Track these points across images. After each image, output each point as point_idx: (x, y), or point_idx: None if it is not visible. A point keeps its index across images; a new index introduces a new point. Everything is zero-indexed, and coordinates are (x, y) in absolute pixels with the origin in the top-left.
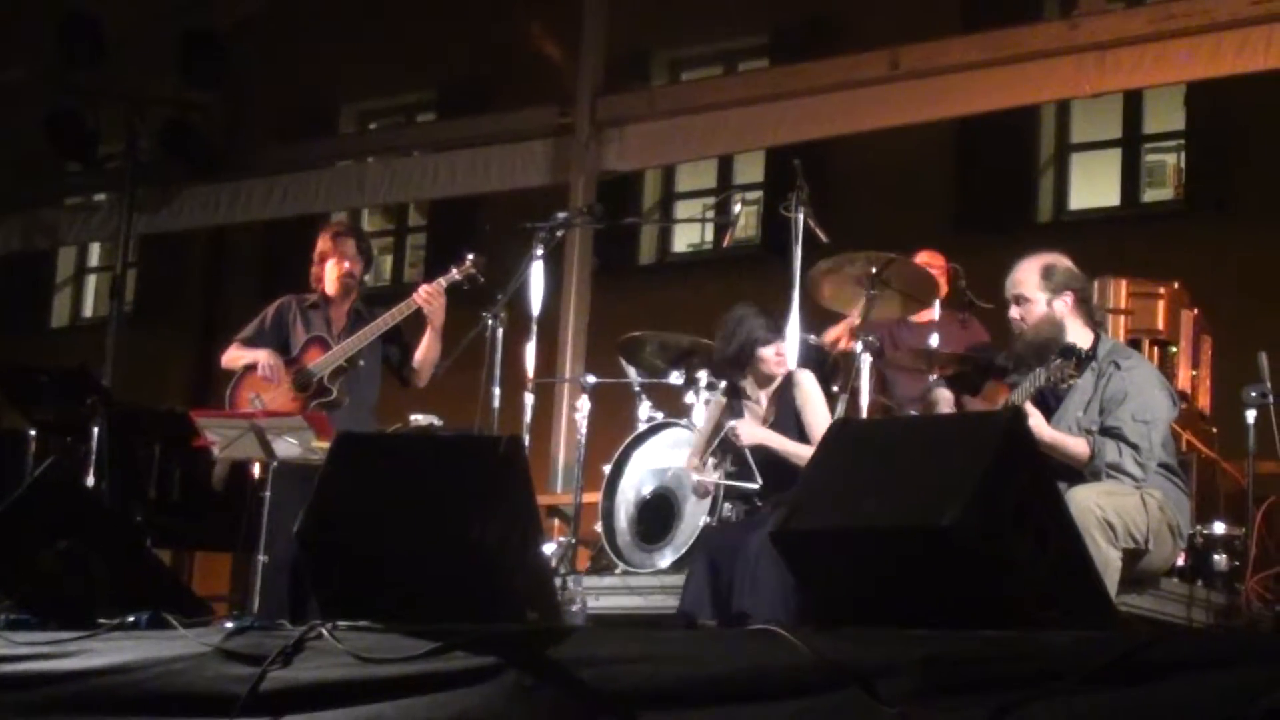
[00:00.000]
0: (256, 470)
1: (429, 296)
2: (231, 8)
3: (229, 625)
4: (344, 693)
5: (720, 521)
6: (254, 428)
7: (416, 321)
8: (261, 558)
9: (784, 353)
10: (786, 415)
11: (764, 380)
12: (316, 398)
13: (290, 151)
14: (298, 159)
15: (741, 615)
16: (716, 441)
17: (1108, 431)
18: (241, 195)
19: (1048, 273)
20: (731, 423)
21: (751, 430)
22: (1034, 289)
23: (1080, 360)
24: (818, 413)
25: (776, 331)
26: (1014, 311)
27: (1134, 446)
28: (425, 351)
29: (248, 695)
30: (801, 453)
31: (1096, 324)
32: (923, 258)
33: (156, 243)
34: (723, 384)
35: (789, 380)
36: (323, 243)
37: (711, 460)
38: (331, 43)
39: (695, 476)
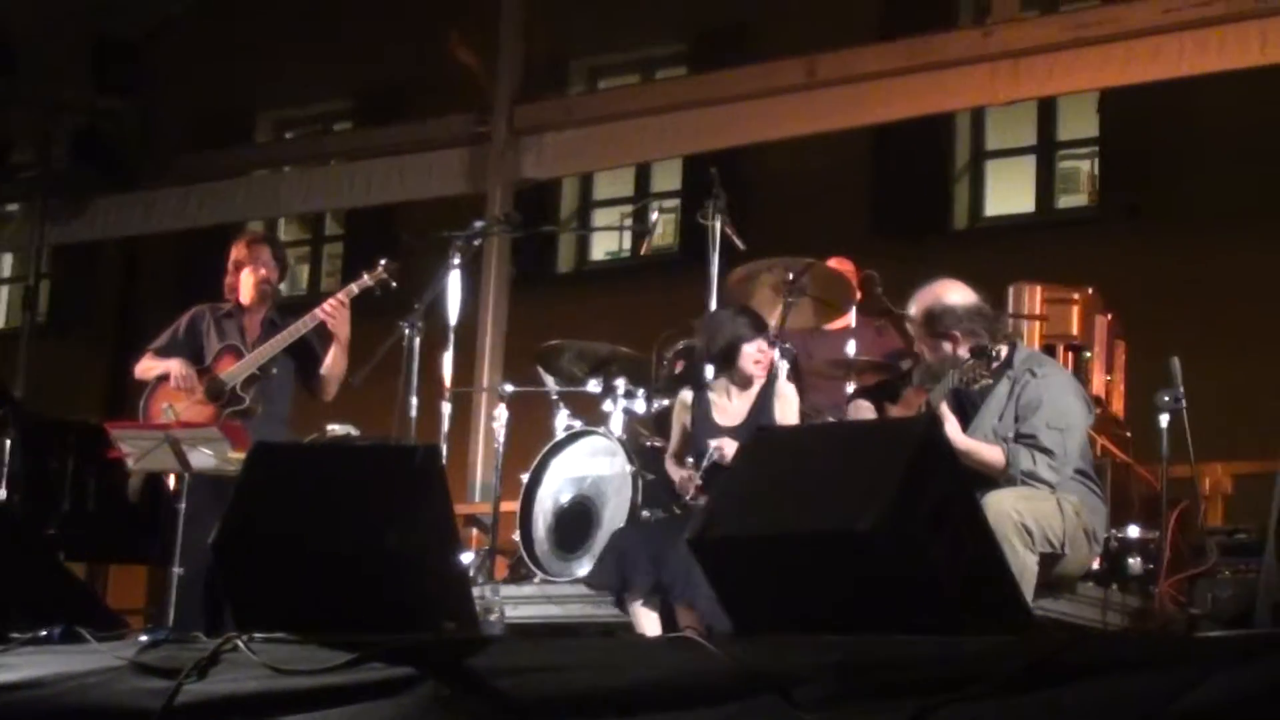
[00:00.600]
0: (172, 482)
1: (332, 310)
2: (146, 15)
3: (143, 639)
4: (260, 705)
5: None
6: (169, 439)
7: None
8: (177, 570)
9: (765, 351)
10: (761, 422)
11: (743, 382)
12: (230, 406)
13: (206, 161)
14: (213, 168)
15: (670, 605)
16: (706, 465)
17: (1022, 439)
18: (156, 205)
19: (929, 320)
20: (715, 443)
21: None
22: (921, 335)
23: (991, 360)
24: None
25: (762, 330)
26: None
27: (1048, 452)
28: (331, 365)
29: (162, 709)
30: None
31: (1006, 337)
32: (832, 264)
33: (69, 253)
34: (684, 389)
35: (771, 390)
36: (237, 251)
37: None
38: (247, 51)
39: (677, 476)
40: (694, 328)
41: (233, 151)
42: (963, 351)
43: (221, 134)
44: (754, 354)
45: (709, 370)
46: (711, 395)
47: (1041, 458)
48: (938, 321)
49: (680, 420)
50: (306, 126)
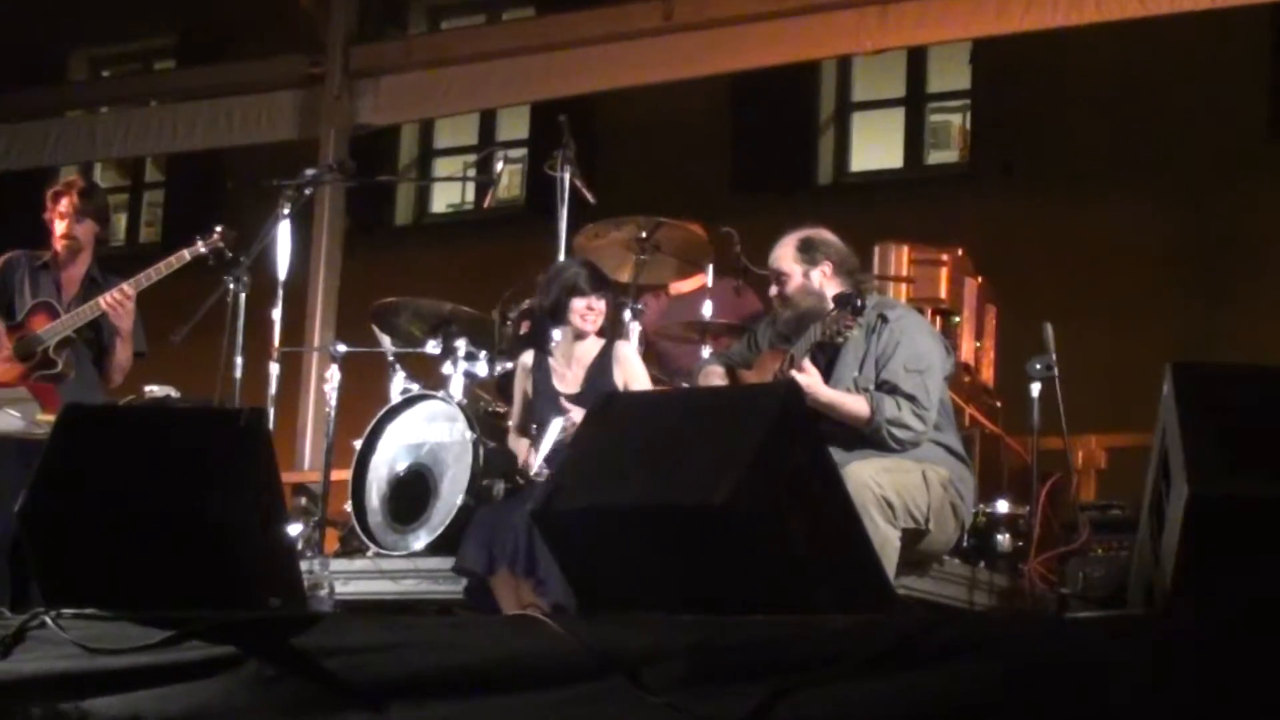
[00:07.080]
0: None
1: (115, 303)
2: None
3: None
4: (69, 685)
5: (478, 498)
6: None
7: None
8: None
9: (595, 309)
10: (601, 389)
11: (578, 337)
12: (40, 369)
13: (15, 100)
14: (24, 108)
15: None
16: (551, 447)
17: (883, 386)
18: None
19: (804, 245)
20: (565, 421)
21: None
22: (790, 262)
23: (856, 310)
24: (645, 387)
25: (596, 286)
26: (773, 289)
27: (910, 398)
28: (116, 356)
29: None
30: None
31: (859, 285)
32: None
33: None
34: (527, 353)
35: (609, 353)
36: (48, 202)
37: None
38: None
39: (522, 452)
40: (538, 286)
41: (45, 91)
42: (830, 288)
43: (33, 71)
44: (582, 308)
45: (555, 333)
46: (552, 360)
47: (905, 403)
48: (814, 248)
49: (521, 386)
50: (125, 65)
